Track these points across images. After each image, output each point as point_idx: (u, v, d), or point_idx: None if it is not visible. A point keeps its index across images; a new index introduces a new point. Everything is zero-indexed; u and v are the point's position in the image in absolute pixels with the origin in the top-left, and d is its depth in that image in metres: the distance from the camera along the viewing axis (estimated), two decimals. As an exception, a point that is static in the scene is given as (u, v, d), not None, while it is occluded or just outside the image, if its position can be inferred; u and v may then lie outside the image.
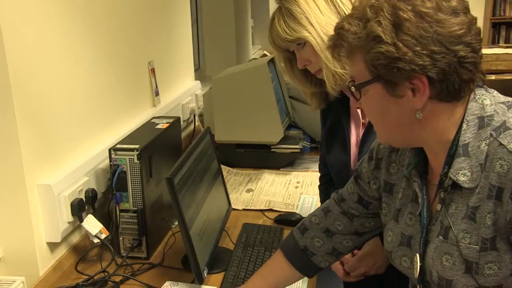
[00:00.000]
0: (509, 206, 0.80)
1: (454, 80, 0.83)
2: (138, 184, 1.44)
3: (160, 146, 1.61)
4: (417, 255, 0.95)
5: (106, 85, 1.66)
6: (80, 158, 1.48)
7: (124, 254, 1.47)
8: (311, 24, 1.26)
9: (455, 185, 0.88)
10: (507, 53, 3.87)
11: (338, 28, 0.90)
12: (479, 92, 0.89)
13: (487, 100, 0.87)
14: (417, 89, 0.84)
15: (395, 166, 1.03)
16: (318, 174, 1.68)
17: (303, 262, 1.18)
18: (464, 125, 0.86)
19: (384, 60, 0.83)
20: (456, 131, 0.88)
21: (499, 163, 0.81)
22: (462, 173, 0.86)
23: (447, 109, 0.87)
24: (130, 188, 1.44)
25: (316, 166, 2.11)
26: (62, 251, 1.42)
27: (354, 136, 1.40)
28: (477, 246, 0.84)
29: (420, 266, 0.94)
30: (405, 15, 0.82)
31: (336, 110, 1.44)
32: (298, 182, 2.03)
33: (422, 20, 0.82)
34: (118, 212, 1.46)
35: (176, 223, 1.64)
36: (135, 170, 1.43)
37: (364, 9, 0.86)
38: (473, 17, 0.86)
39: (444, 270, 0.89)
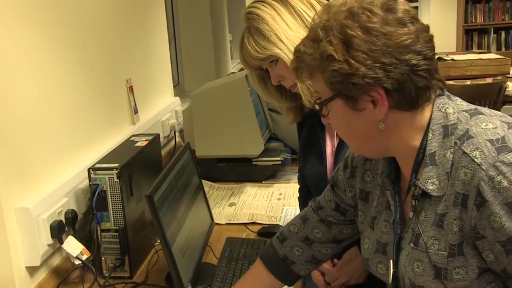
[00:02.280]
0: (473, 213, 0.82)
1: (410, 88, 0.86)
2: (119, 203, 1.43)
3: (140, 164, 1.60)
4: (391, 261, 0.96)
5: (84, 104, 1.65)
6: (59, 179, 1.47)
7: (106, 275, 1.45)
8: (281, 40, 1.27)
9: (425, 194, 0.90)
10: (481, 59, 3.96)
11: (296, 52, 0.93)
12: (442, 101, 0.91)
13: (450, 108, 0.90)
14: (376, 101, 0.87)
15: (370, 175, 1.05)
16: (300, 185, 1.69)
17: (283, 270, 1.19)
18: (430, 135, 0.89)
19: (339, 77, 0.86)
20: (421, 138, 0.90)
21: (463, 171, 0.83)
22: (431, 182, 0.88)
23: (408, 118, 0.89)
24: (111, 207, 1.43)
25: (298, 177, 2.12)
26: (42, 274, 1.39)
27: (330, 147, 1.42)
28: (445, 252, 0.87)
29: (394, 272, 0.95)
30: (353, 32, 0.85)
31: (311, 123, 1.45)
32: (280, 194, 2.03)
33: (370, 35, 0.84)
34: (99, 232, 1.45)
35: (159, 240, 1.63)
36: (115, 189, 1.42)
37: (316, 31, 0.89)
38: (422, 25, 0.89)
39: (415, 277, 0.91)
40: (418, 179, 0.90)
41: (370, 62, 0.84)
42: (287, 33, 1.27)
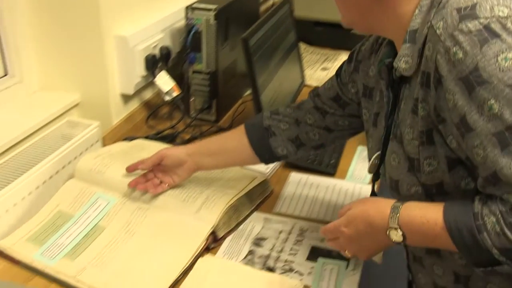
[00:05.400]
0: (433, 92, 0.72)
1: None
2: (213, 46, 1.41)
3: (238, 11, 1.55)
4: (377, 153, 0.89)
5: None
6: (157, 14, 1.46)
7: (193, 115, 1.49)
8: None
9: (403, 78, 0.80)
10: None
11: None
12: None
13: None
14: None
15: (374, 69, 0.93)
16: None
17: (259, 138, 1.08)
18: (417, 11, 0.77)
19: None
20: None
21: (427, 46, 0.73)
22: (404, 60, 0.78)
23: None
24: (205, 49, 1.42)
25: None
26: (134, 104, 1.45)
27: None
28: (416, 141, 0.78)
29: (377, 164, 0.89)
30: None
31: None
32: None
33: None
34: (190, 73, 1.46)
35: (247, 92, 1.63)
36: (211, 30, 1.40)
37: None
38: None
39: (392, 170, 0.84)
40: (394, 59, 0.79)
41: None
42: None
